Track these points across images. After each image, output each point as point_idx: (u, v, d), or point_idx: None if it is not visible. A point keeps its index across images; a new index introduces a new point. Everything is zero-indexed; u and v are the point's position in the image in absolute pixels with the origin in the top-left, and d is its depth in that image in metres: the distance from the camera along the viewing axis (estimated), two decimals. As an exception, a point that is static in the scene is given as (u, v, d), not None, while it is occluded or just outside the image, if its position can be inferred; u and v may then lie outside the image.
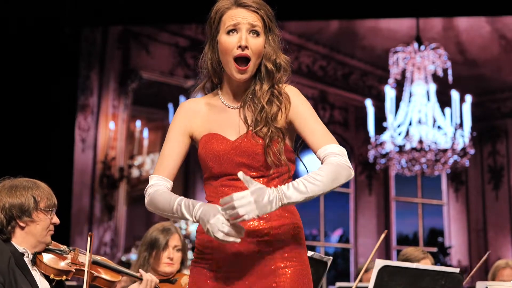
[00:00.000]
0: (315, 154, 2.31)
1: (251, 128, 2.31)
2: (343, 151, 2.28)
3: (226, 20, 2.33)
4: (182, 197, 2.27)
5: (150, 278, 3.31)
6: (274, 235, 2.27)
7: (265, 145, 2.26)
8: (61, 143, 8.55)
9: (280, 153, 2.28)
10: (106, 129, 9.55)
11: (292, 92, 2.37)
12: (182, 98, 9.90)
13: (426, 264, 3.95)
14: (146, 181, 2.37)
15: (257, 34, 2.33)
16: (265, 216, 2.25)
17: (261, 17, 2.34)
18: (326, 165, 2.24)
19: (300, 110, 2.34)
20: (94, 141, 9.45)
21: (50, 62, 8.15)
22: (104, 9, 8.39)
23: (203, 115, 2.40)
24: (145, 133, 9.90)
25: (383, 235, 3.49)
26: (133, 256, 9.51)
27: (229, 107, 2.38)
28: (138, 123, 9.90)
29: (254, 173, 2.29)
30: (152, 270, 3.70)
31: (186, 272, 3.88)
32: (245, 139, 2.31)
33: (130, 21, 9.13)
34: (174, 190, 2.36)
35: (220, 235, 2.11)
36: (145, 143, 9.90)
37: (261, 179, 2.29)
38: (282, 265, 2.26)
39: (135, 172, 9.67)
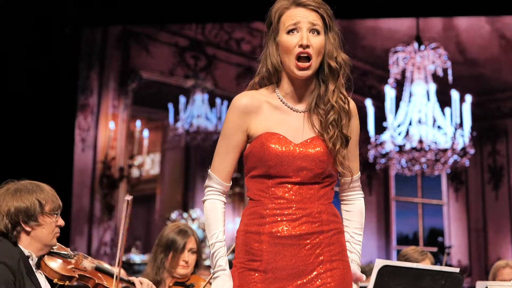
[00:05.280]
0: (343, 177, 2.41)
1: (318, 132, 2.34)
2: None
3: (285, 20, 2.34)
4: (222, 239, 2.32)
5: (146, 282, 3.25)
6: (324, 238, 2.31)
7: (335, 149, 2.30)
8: (61, 143, 8.54)
9: (345, 159, 2.34)
10: (106, 129, 9.55)
11: (355, 111, 2.44)
12: (182, 98, 9.90)
13: (426, 265, 3.95)
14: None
15: (318, 32, 2.35)
16: (317, 221, 2.31)
17: (321, 16, 2.36)
18: (358, 212, 2.46)
19: (353, 135, 2.41)
20: (94, 141, 9.45)
21: (50, 62, 8.15)
22: (104, 9, 8.39)
23: (262, 113, 2.36)
24: (145, 133, 9.90)
25: None
26: (133, 256, 9.52)
27: (292, 109, 2.38)
28: (138, 123, 9.90)
29: (312, 179, 2.32)
30: (167, 272, 3.69)
31: (204, 276, 3.84)
32: (312, 144, 2.33)
33: (130, 21, 9.12)
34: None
35: None
36: (145, 143, 9.90)
37: (315, 185, 2.33)
38: (329, 267, 2.31)
39: (135, 172, 9.66)
